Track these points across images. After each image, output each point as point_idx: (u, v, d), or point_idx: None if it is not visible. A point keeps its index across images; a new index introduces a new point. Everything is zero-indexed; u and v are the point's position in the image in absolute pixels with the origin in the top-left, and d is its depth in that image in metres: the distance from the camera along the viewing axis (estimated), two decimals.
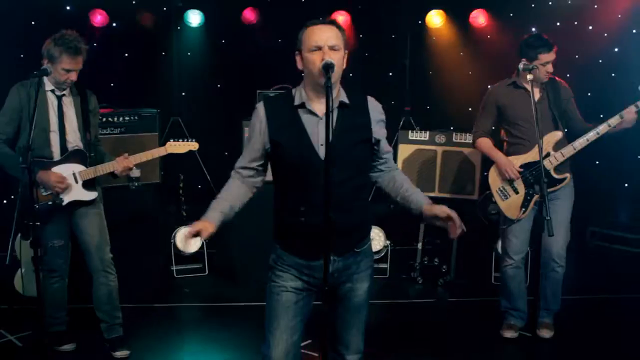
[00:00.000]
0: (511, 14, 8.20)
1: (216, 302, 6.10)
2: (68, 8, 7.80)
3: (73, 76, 4.60)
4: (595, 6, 7.92)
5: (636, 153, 8.05)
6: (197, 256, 6.75)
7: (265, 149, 3.29)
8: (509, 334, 5.30)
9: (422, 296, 6.33)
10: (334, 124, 3.11)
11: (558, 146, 4.98)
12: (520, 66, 4.65)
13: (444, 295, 6.34)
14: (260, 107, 3.31)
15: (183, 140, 5.19)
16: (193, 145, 5.24)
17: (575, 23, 8.00)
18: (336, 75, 3.12)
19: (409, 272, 6.60)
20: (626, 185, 8.25)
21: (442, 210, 3.27)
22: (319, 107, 3.20)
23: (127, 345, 4.98)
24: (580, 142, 4.96)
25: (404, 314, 5.82)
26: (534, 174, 5.00)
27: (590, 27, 8.02)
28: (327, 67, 3.02)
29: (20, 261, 5.70)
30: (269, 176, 3.35)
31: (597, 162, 7.73)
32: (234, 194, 3.41)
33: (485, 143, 5.23)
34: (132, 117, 6.29)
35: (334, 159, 2.97)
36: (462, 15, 8.06)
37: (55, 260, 4.79)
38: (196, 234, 3.23)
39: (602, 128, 4.92)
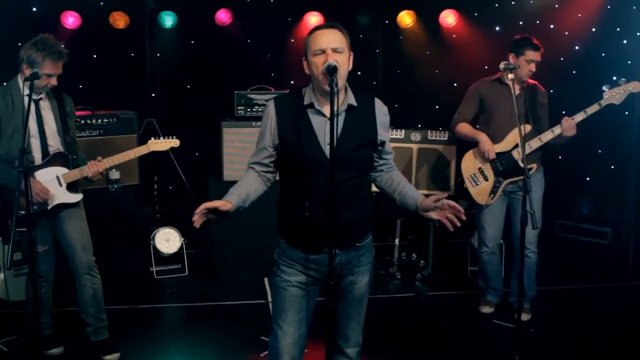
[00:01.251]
0: (475, 14, 8.35)
1: (198, 302, 6.11)
2: (35, 10, 7.70)
3: (54, 81, 4.58)
4: (557, 5, 8.12)
5: (597, 148, 8.30)
6: (176, 257, 6.75)
7: (275, 145, 3.38)
8: (485, 309, 5.76)
9: (401, 291, 6.45)
10: (340, 125, 3.25)
11: (526, 138, 5.22)
12: (502, 66, 4.82)
13: (422, 289, 6.47)
14: (270, 106, 3.40)
15: (164, 138, 5.20)
16: (174, 142, 5.23)
17: (537, 22, 8.17)
18: (341, 77, 3.20)
19: (387, 267, 6.71)
20: (588, 179, 8.50)
21: (436, 197, 3.30)
22: (328, 107, 3.22)
23: (116, 348, 4.98)
24: (546, 135, 5.31)
25: (384, 308, 5.93)
26: (503, 163, 5.41)
27: (552, 26, 8.22)
28: (330, 69, 3.10)
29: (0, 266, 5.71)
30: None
31: (559, 157, 7.94)
32: (250, 184, 3.43)
33: (467, 126, 5.56)
34: (110, 120, 6.28)
35: (339, 159, 3.07)
36: (431, 15, 8.19)
37: (41, 265, 4.73)
38: (212, 211, 3.23)
39: (556, 128, 5.28)
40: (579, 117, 5.23)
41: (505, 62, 4.92)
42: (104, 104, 6.62)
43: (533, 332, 5.37)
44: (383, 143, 3.47)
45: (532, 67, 5.29)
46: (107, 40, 7.54)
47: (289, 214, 3.41)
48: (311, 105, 3.31)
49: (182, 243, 6.74)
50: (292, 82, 8.01)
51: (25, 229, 4.16)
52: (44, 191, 4.61)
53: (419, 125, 6.95)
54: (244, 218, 6.22)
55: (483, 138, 5.40)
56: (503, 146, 5.39)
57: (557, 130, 5.25)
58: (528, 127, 5.31)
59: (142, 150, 5.09)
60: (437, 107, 8.53)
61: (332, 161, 3.05)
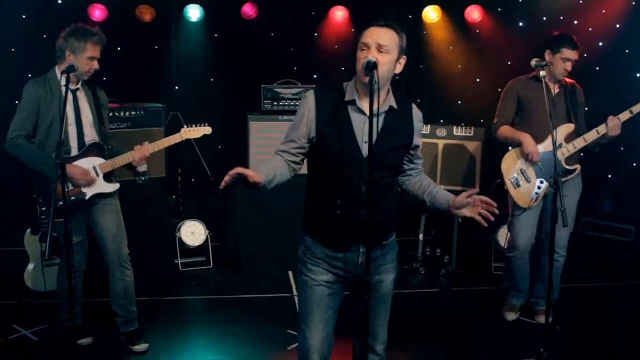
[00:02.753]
0: (499, 9, 8.33)
1: (223, 294, 6.15)
2: (60, 2, 7.74)
3: (95, 64, 4.68)
4: (581, 1, 8.10)
5: (619, 145, 8.27)
6: (201, 249, 6.79)
7: (310, 137, 3.33)
8: (510, 315, 5.59)
9: (425, 286, 6.46)
10: (380, 125, 3.25)
11: (570, 138, 5.16)
12: (533, 62, 4.75)
13: (446, 285, 6.48)
14: (310, 96, 3.35)
15: (196, 126, 5.22)
16: (206, 130, 5.25)
17: (561, 18, 8.15)
18: (382, 77, 3.13)
19: (410, 262, 6.72)
20: (609, 176, 8.49)
21: (467, 193, 3.30)
22: (367, 106, 3.19)
23: (145, 338, 5.04)
24: (591, 135, 5.14)
25: (409, 304, 5.94)
26: (545, 165, 5.16)
27: (576, 22, 8.19)
28: (370, 67, 3.07)
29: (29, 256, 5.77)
30: None
31: (581, 154, 7.92)
32: (277, 167, 3.34)
33: (509, 128, 5.32)
34: (138, 112, 6.32)
35: (374, 158, 3.06)
36: (456, 10, 8.18)
37: (73, 256, 4.79)
38: (243, 180, 3.13)
39: (601, 127, 5.11)
40: (625, 116, 5.06)
41: (536, 58, 4.81)
42: (129, 97, 6.64)
43: (557, 330, 5.35)
44: (416, 147, 3.48)
45: (568, 65, 5.14)
46: (133, 33, 7.56)
47: (319, 211, 3.39)
48: (352, 102, 3.29)
49: (207, 236, 6.78)
50: (314, 77, 8.02)
51: (62, 219, 4.23)
52: (86, 173, 4.65)
53: (441, 121, 6.98)
54: (269, 211, 6.35)
55: (527, 139, 5.17)
56: (545, 146, 5.17)
57: (602, 129, 5.09)
58: (572, 127, 5.18)
59: (176, 138, 5.12)
60: (459, 102, 8.52)
61: (370, 158, 3.05)
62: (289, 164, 3.40)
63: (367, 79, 3.10)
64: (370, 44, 3.18)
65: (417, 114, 3.46)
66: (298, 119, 3.37)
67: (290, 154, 3.40)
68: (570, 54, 5.12)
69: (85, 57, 4.60)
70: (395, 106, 3.32)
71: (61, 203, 4.28)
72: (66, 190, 4.42)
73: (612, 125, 5.05)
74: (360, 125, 3.28)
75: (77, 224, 4.74)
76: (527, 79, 5.37)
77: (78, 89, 4.76)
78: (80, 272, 4.93)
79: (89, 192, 4.75)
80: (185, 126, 5.20)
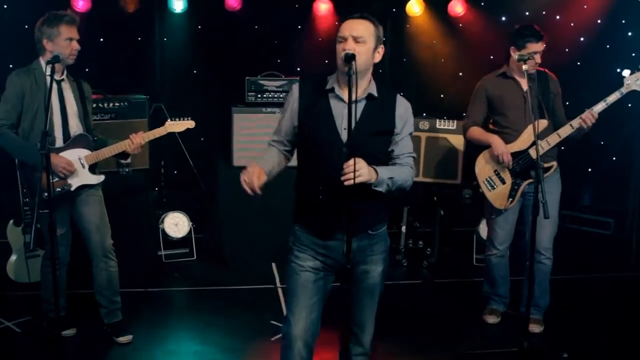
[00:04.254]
0: (482, 3, 8.36)
1: (207, 286, 6.17)
2: None
3: (75, 45, 4.67)
4: None
5: (599, 139, 8.36)
6: (184, 241, 6.80)
7: (294, 127, 3.48)
8: (491, 319, 5.50)
9: (407, 278, 6.52)
10: (359, 112, 3.32)
11: (544, 134, 4.97)
12: (515, 56, 4.82)
13: (429, 277, 6.53)
14: (295, 88, 3.52)
15: (180, 119, 5.24)
16: (190, 124, 5.30)
17: (544, 12, 8.21)
18: (360, 66, 3.25)
19: (393, 254, 6.74)
20: (589, 170, 8.56)
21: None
22: (347, 94, 3.28)
23: (129, 330, 5.05)
24: (565, 130, 4.98)
25: (391, 295, 5.89)
26: (520, 163, 5.06)
27: (558, 17, 8.25)
28: (348, 58, 3.18)
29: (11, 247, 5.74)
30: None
31: (562, 148, 7.99)
32: (274, 157, 3.55)
33: (477, 130, 5.22)
34: (122, 104, 6.29)
35: (354, 144, 3.16)
36: (440, 4, 8.20)
37: (57, 248, 4.78)
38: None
39: (585, 115, 4.91)
40: (600, 106, 4.89)
41: (519, 52, 4.84)
42: (112, 88, 6.61)
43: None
44: (397, 136, 3.48)
45: (537, 58, 4.97)
46: (116, 24, 7.52)
47: (304, 197, 3.49)
48: (332, 90, 3.41)
49: (191, 227, 6.79)
50: (298, 69, 8.02)
51: (46, 210, 4.20)
52: (70, 164, 4.65)
53: (424, 114, 7.01)
54: (253, 203, 6.29)
55: (496, 141, 5.05)
56: (519, 145, 5.04)
57: (576, 123, 4.93)
58: (544, 123, 4.97)
59: (161, 131, 5.15)
60: (442, 96, 8.56)
61: (348, 144, 3.18)
62: (283, 153, 3.60)
63: (346, 69, 3.18)
64: (347, 36, 3.31)
65: (402, 103, 3.51)
66: (285, 110, 3.55)
67: (281, 143, 3.60)
68: (535, 47, 4.95)
69: (63, 40, 4.59)
70: (375, 94, 3.41)
71: (46, 194, 4.26)
72: (52, 181, 4.41)
73: (587, 116, 4.88)
74: (339, 112, 3.38)
75: (60, 216, 4.73)
76: (495, 77, 5.23)
77: (63, 79, 4.77)
78: (64, 265, 4.93)
79: (74, 183, 4.74)
80: (169, 119, 5.20)
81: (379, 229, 3.56)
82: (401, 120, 3.48)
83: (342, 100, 3.38)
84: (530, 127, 4.98)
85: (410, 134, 3.56)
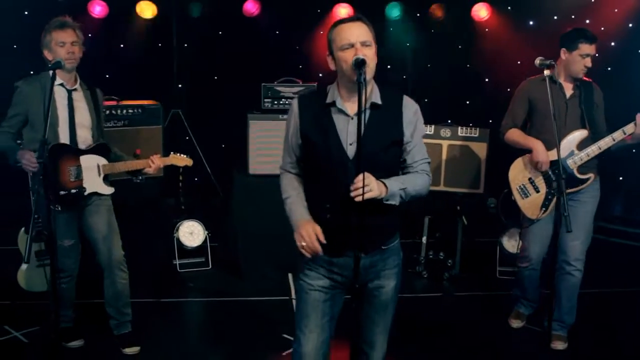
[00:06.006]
0: (509, 7, 8.21)
1: (222, 296, 6.05)
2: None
3: (70, 48, 4.54)
4: (593, 0, 7.96)
5: (631, 147, 8.11)
6: (199, 250, 6.68)
7: (298, 144, 3.34)
8: (515, 323, 5.40)
9: (428, 290, 6.32)
10: (364, 125, 3.10)
11: (583, 145, 4.82)
12: (537, 62, 4.52)
13: (450, 289, 6.33)
14: (294, 104, 3.35)
15: (181, 155, 5.22)
16: (188, 161, 5.28)
17: (573, 17, 8.03)
18: (370, 71, 3.13)
19: (413, 266, 6.57)
20: (621, 178, 8.32)
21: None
22: (350, 106, 3.22)
23: (137, 341, 4.95)
24: (606, 142, 4.78)
25: (411, 308, 5.79)
26: (556, 173, 4.73)
27: (588, 21, 8.06)
28: (359, 63, 3.03)
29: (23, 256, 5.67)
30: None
31: (604, 158, 7.79)
32: (299, 187, 3.41)
33: (518, 132, 5.04)
34: (135, 110, 6.24)
35: (362, 159, 3.00)
36: (463, 9, 8.05)
37: (65, 260, 4.71)
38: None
39: (629, 127, 4.72)
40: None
41: (540, 57, 4.57)
42: (130, 94, 6.58)
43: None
44: (409, 144, 3.31)
45: (588, 62, 4.79)
46: (134, 29, 7.49)
47: (311, 215, 3.29)
48: (333, 104, 3.24)
49: (206, 236, 6.67)
50: (320, 75, 7.91)
51: (59, 208, 4.44)
52: (32, 160, 4.40)
53: (449, 121, 6.83)
54: (268, 212, 6.21)
55: (538, 147, 4.86)
56: (555, 153, 4.67)
57: (618, 135, 4.72)
58: (585, 133, 4.80)
59: (166, 161, 5.12)
60: (467, 102, 8.39)
61: (359, 159, 3.01)
62: (298, 175, 3.44)
63: (356, 77, 3.02)
64: (354, 42, 3.13)
65: (409, 106, 3.31)
66: (287, 128, 3.39)
67: (294, 166, 3.44)
68: (588, 49, 4.78)
69: (55, 46, 4.51)
70: (379, 102, 3.23)
71: (63, 192, 4.38)
72: (66, 180, 4.52)
73: None
74: (343, 127, 3.22)
75: (68, 226, 4.67)
76: (540, 80, 4.89)
77: (75, 89, 4.68)
78: (73, 277, 4.86)
79: (88, 188, 4.68)
80: (172, 153, 5.20)
81: (391, 242, 3.40)
82: (410, 125, 3.30)
83: (344, 113, 3.22)
84: (570, 136, 4.83)
85: (422, 136, 3.39)
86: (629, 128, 4.73)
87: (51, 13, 7.22)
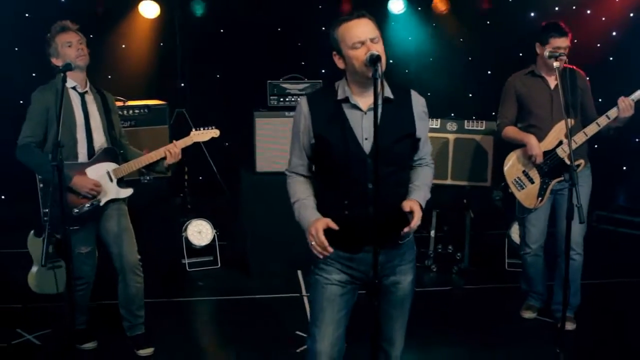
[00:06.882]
0: (510, 0, 8.21)
1: (231, 295, 6.04)
2: (63, 0, 7.67)
3: (78, 45, 4.55)
4: None
5: (634, 136, 8.13)
6: (208, 249, 6.68)
7: (311, 144, 3.29)
8: (527, 314, 5.49)
9: (437, 284, 6.33)
10: (378, 119, 3.08)
11: (571, 133, 4.86)
12: (546, 53, 4.77)
13: (459, 283, 6.34)
14: (303, 103, 3.30)
15: (204, 129, 5.10)
16: (214, 133, 5.14)
17: (574, 7, 8.03)
18: (383, 65, 3.08)
19: (422, 260, 6.57)
20: (624, 168, 8.34)
21: (406, 204, 3.18)
22: (363, 101, 3.21)
23: (151, 342, 4.94)
24: (591, 128, 4.94)
25: (421, 302, 5.74)
26: (548, 163, 5.04)
27: (589, 12, 8.08)
28: (375, 60, 3.00)
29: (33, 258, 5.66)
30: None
31: (595, 146, 7.79)
32: (308, 191, 3.36)
33: (513, 129, 5.19)
34: (142, 110, 6.20)
35: (378, 154, 2.98)
36: (466, 1, 8.04)
37: (82, 267, 4.71)
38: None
39: (612, 112, 4.88)
40: (638, 94, 4.83)
41: (544, 48, 4.83)
42: (133, 94, 6.57)
43: (575, 327, 5.22)
44: (420, 138, 3.34)
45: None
46: (137, 29, 7.47)
47: (327, 213, 3.25)
48: (346, 100, 3.22)
49: (215, 235, 6.67)
50: (323, 71, 7.90)
51: (77, 227, 4.43)
52: (97, 184, 4.56)
53: (452, 114, 6.84)
54: (277, 209, 6.19)
55: (532, 141, 5.00)
56: (546, 144, 5.02)
57: (612, 113, 4.85)
58: (570, 121, 4.88)
59: (187, 141, 4.99)
60: (470, 95, 8.39)
61: (376, 153, 2.98)
62: (307, 176, 3.40)
63: (371, 74, 3.01)
64: (365, 39, 3.11)
65: (418, 100, 3.33)
66: (296, 128, 3.33)
67: (305, 168, 3.39)
68: (559, 42, 4.89)
69: (63, 48, 4.51)
70: (391, 96, 3.23)
71: (77, 210, 4.41)
72: (74, 197, 4.49)
73: (624, 106, 4.82)
74: (357, 123, 3.20)
75: (84, 234, 4.66)
76: (523, 75, 5.21)
77: (86, 92, 4.67)
78: (89, 284, 4.86)
79: (103, 199, 4.66)
80: (194, 129, 5.09)
81: (406, 237, 3.39)
82: (420, 120, 3.31)
83: (358, 108, 3.21)
84: (557, 126, 5.01)
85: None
86: (613, 112, 4.89)
87: (54, 14, 7.25)
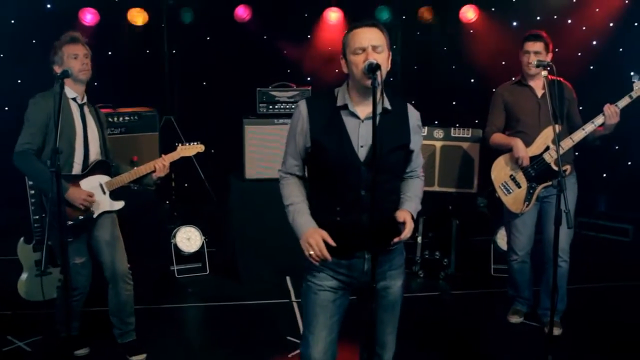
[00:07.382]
0: (493, 9, 8.30)
1: (220, 301, 6.06)
2: (49, 6, 7.66)
3: (83, 59, 4.58)
4: (574, 1, 8.09)
5: (613, 144, 8.26)
6: (197, 256, 6.70)
7: (306, 147, 3.33)
8: (514, 319, 5.55)
9: (424, 289, 6.39)
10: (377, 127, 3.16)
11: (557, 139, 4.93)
12: (534, 62, 4.85)
13: (446, 288, 6.41)
14: (302, 107, 3.33)
15: (190, 144, 5.18)
16: (200, 148, 5.23)
17: (555, 17, 8.15)
18: (382, 76, 3.11)
19: (409, 266, 6.63)
20: (604, 175, 8.46)
21: (399, 214, 3.27)
22: (362, 109, 3.26)
23: (142, 349, 4.95)
24: (578, 135, 5.04)
25: (408, 307, 5.77)
26: (535, 168, 5.14)
27: (570, 21, 8.19)
28: (372, 68, 3.05)
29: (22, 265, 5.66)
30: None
31: (576, 153, 7.90)
32: (302, 194, 3.40)
33: (500, 135, 5.31)
34: (132, 117, 6.22)
35: (373, 161, 3.04)
36: (450, 11, 8.13)
37: (77, 278, 4.71)
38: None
39: (597, 118, 4.99)
40: (623, 102, 4.94)
41: (538, 58, 4.93)
42: (122, 102, 6.56)
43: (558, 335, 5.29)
44: (413, 150, 3.41)
45: (531, 57, 5.08)
46: (125, 37, 7.48)
47: (319, 218, 3.30)
48: (345, 107, 3.26)
49: (203, 241, 6.69)
50: (308, 79, 7.96)
51: (71, 239, 4.38)
52: (90, 195, 4.57)
53: (436, 122, 6.93)
54: (265, 216, 6.26)
55: (518, 144, 5.12)
56: (533, 150, 5.13)
57: (599, 120, 4.96)
58: (557, 128, 4.88)
59: (174, 156, 5.05)
60: (454, 103, 8.48)
61: (374, 161, 3.04)
62: (299, 177, 3.44)
63: (369, 82, 3.06)
64: (366, 46, 3.16)
65: (413, 114, 3.39)
66: (293, 131, 3.37)
67: (300, 169, 3.43)
68: (529, 45, 5.10)
69: (68, 59, 4.53)
70: (389, 107, 3.28)
71: (71, 222, 4.35)
72: (68, 210, 4.46)
73: (610, 112, 4.94)
74: (354, 130, 3.25)
75: (78, 245, 4.67)
76: (511, 85, 5.36)
77: (85, 103, 4.69)
78: (84, 294, 4.86)
79: (96, 211, 4.68)
80: (180, 144, 5.16)
81: (397, 244, 3.45)
82: (414, 133, 3.38)
83: (356, 116, 3.26)
84: (544, 132, 5.13)
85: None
86: (599, 119, 5.00)
87: (40, 21, 7.26)
